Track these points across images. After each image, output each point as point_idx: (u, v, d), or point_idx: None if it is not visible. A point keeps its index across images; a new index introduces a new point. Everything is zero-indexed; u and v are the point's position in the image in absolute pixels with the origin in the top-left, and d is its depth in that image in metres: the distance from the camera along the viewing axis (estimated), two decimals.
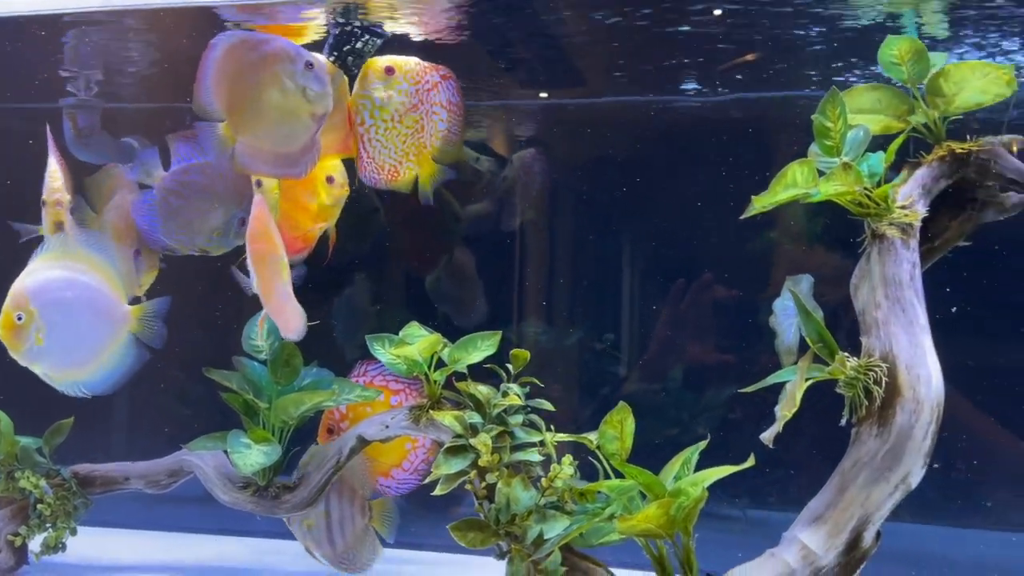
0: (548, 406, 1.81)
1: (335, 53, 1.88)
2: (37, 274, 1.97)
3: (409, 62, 1.95)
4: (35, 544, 2.21)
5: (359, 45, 1.85)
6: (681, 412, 3.12)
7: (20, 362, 1.97)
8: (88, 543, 2.27)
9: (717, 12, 2.55)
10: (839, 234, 1.72)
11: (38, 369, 1.99)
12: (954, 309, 2.82)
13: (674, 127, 3.19)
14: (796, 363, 1.60)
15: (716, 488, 1.62)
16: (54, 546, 2.19)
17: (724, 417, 3.01)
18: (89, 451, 2.37)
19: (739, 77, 2.96)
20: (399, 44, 1.95)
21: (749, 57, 2.86)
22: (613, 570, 1.70)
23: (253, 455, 1.91)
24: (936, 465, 2.72)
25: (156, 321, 2.08)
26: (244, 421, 2.03)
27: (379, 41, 1.89)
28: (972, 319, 2.75)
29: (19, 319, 1.92)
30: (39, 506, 2.15)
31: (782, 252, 3.03)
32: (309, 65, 1.90)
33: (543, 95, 3.30)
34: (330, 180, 2.15)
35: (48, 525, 2.18)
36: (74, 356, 2.01)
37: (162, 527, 2.70)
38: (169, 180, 2.11)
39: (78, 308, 1.99)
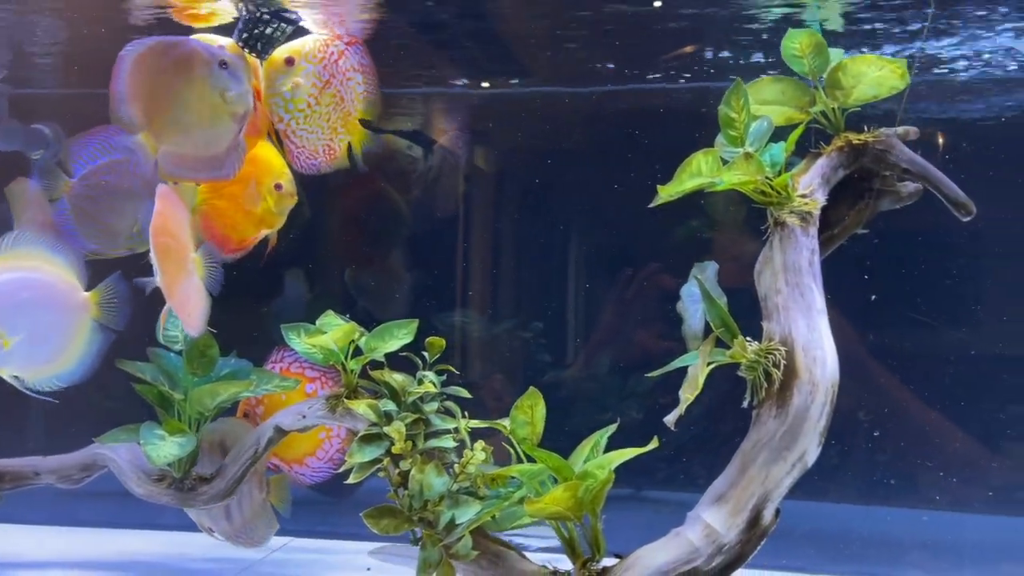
0: (464, 393, 1.83)
1: (247, 37, 1.85)
2: None
3: (306, 43, 1.93)
4: None
5: (268, 31, 1.83)
6: (622, 398, 3.17)
7: None
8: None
9: (657, 3, 2.59)
10: (761, 222, 1.77)
11: (6, 373, 1.96)
12: (873, 297, 2.93)
13: (607, 116, 3.24)
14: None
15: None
16: None
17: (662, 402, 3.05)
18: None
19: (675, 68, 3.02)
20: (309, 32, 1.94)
21: (688, 49, 2.92)
22: (526, 553, 1.73)
23: (167, 446, 1.88)
24: (876, 433, 2.82)
25: (116, 302, 2.04)
26: (159, 413, 2.00)
27: (289, 28, 1.87)
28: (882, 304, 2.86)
29: None
30: None
31: (719, 239, 3.09)
32: (224, 64, 1.87)
33: (485, 84, 3.32)
34: (278, 187, 2.14)
35: None
36: (42, 354, 1.97)
37: (72, 523, 2.65)
38: (79, 186, 2.05)
39: (36, 306, 1.95)
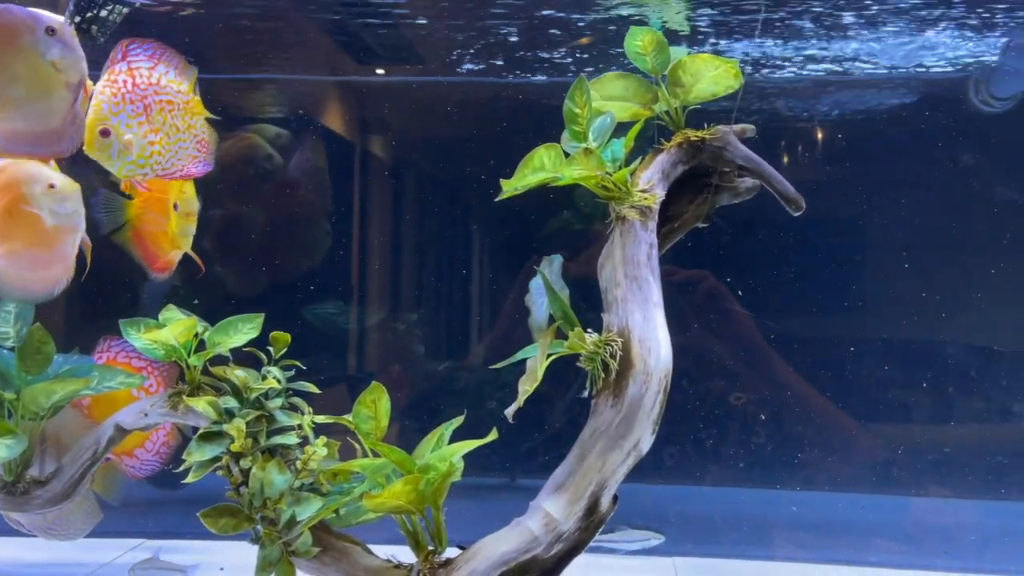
0: (312, 388, 1.81)
1: (80, 20, 1.76)
2: None
3: (98, 100, 1.79)
4: None
5: (103, 14, 1.74)
6: (498, 387, 3.20)
7: None
8: None
9: None
10: None
11: None
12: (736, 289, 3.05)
13: (490, 108, 3.24)
14: None
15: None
16: None
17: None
18: None
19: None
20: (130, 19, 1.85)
21: (584, 40, 2.94)
22: (373, 546, 1.72)
23: None
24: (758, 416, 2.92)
25: None
26: None
27: (125, 9, 1.78)
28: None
29: None
30: None
31: (581, 233, 3.15)
32: (51, 31, 1.76)
33: (380, 71, 3.28)
34: (175, 207, 2.06)
35: None
36: None
37: None
38: None
39: None
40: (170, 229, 2.07)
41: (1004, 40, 2.60)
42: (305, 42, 3.19)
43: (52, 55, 1.75)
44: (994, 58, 2.65)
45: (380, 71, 3.30)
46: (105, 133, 1.79)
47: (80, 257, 1.91)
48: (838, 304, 3.01)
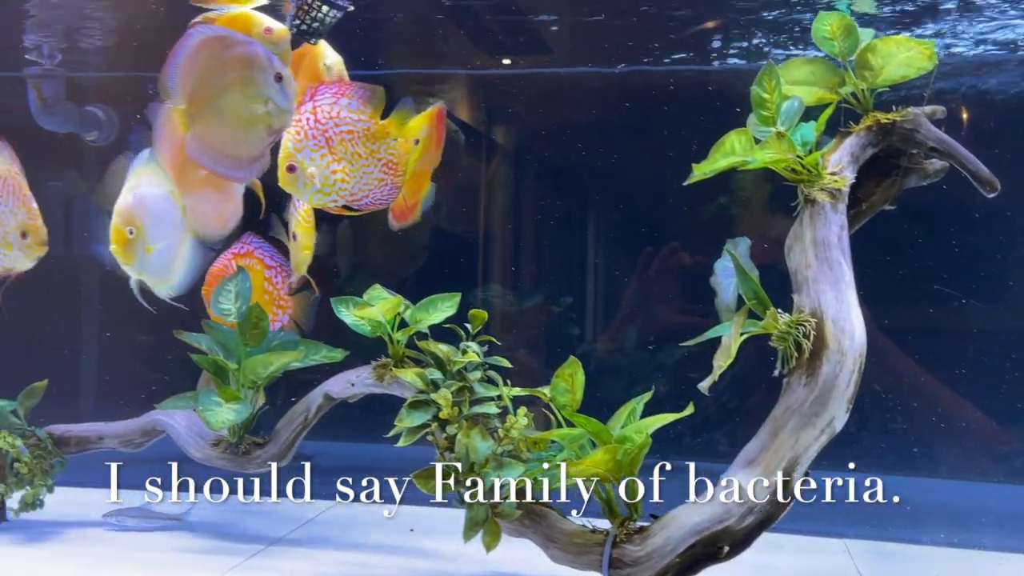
0: (505, 363, 1.92)
1: (299, 23, 1.92)
2: (139, 191, 2.09)
3: (287, 138, 1.96)
4: (13, 502, 2.29)
5: (320, 15, 1.89)
6: (649, 370, 3.26)
7: (131, 272, 2.12)
8: (65, 501, 2.34)
9: None
10: (787, 200, 1.82)
11: (145, 277, 2.13)
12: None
13: (633, 95, 3.29)
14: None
15: None
16: (32, 503, 2.27)
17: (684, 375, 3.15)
18: (61, 414, 2.43)
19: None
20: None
21: (710, 24, 2.96)
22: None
23: (224, 412, 2.00)
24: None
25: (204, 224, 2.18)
26: (214, 381, 2.11)
27: (339, 13, 1.92)
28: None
29: (130, 233, 2.07)
30: (16, 465, 2.23)
31: (737, 218, 3.16)
32: (279, 77, 1.93)
33: (505, 62, 3.37)
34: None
35: (26, 483, 2.26)
36: (170, 264, 2.15)
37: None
38: None
39: (173, 221, 2.12)
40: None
41: None
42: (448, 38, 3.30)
43: (270, 96, 1.92)
44: None
45: (506, 61, 3.38)
46: (291, 169, 1.98)
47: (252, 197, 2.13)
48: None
